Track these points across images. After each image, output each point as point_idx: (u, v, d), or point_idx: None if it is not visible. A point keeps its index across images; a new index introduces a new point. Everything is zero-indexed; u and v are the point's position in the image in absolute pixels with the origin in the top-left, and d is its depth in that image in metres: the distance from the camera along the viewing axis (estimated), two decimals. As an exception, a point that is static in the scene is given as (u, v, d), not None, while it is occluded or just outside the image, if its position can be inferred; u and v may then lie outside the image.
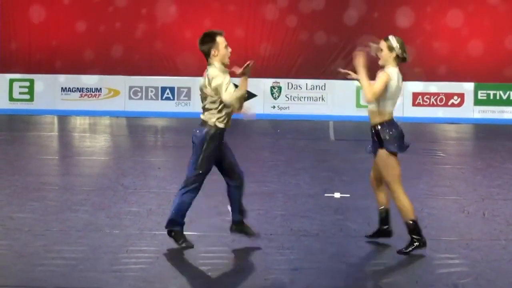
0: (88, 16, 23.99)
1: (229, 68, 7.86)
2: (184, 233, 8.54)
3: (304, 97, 22.96)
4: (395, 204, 7.92)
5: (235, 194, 8.04)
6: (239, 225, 8.09)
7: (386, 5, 23.75)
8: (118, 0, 24.05)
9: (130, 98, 23.29)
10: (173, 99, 23.17)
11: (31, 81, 23.44)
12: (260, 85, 22.88)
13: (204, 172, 7.88)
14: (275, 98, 23.05)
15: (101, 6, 24.06)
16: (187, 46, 23.71)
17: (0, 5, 24.21)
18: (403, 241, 8.34)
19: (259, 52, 23.11)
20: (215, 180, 11.73)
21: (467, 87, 23.07)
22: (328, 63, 23.57)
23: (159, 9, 24.00)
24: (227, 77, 7.71)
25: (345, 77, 8.42)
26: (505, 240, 8.50)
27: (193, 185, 7.89)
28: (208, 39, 7.85)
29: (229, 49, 7.86)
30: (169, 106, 23.08)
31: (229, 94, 7.57)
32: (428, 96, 22.99)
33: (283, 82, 22.88)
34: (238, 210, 8.07)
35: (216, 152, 7.85)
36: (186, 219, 9.19)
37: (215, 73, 7.72)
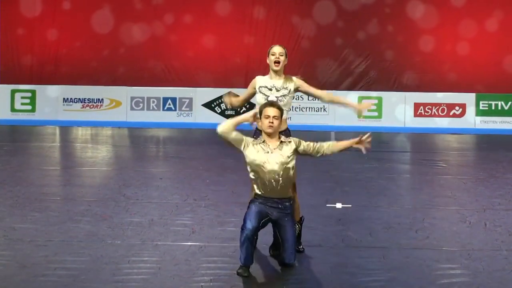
0: (90, 28, 24.03)
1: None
2: (186, 243, 8.56)
3: (306, 108, 22.98)
4: None
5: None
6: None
7: (389, 13, 23.81)
8: (121, 12, 24.09)
9: (131, 108, 23.31)
10: (175, 110, 23.19)
11: (33, 92, 23.46)
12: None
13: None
14: (277, 109, 23.05)
15: (103, 21, 24.09)
16: (189, 57, 23.77)
17: (1, 14, 24.25)
18: (403, 252, 8.36)
19: (260, 63, 23.15)
20: (217, 191, 11.78)
21: (469, 98, 23.09)
22: (329, 74, 23.63)
23: (161, 20, 24.05)
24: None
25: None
26: (507, 250, 8.50)
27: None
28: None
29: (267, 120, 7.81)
30: (171, 117, 23.09)
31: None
32: (430, 107, 23.00)
33: (285, 92, 22.90)
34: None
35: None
36: (187, 230, 9.23)
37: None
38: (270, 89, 8.21)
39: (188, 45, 23.82)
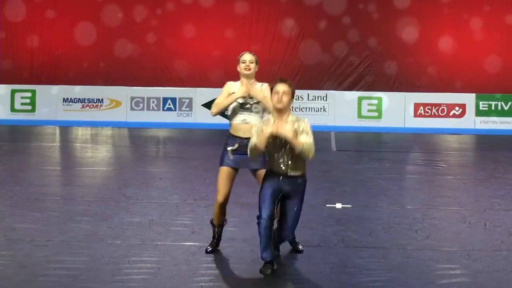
0: (91, 29, 24.05)
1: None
2: (186, 243, 8.56)
3: (306, 108, 22.98)
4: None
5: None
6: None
7: (388, 14, 23.82)
8: (119, 12, 24.11)
9: (131, 108, 23.33)
10: (175, 110, 23.21)
11: (33, 92, 23.48)
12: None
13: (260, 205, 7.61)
14: (276, 109, 23.07)
15: (105, 19, 24.11)
16: (189, 56, 23.79)
17: (1, 15, 24.27)
18: (403, 252, 8.36)
19: (261, 63, 23.19)
20: (216, 191, 11.76)
21: (469, 98, 23.10)
22: (329, 74, 23.65)
23: (161, 21, 24.07)
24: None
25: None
26: (507, 250, 8.50)
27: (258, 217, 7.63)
28: None
29: (276, 96, 7.66)
30: (171, 117, 23.11)
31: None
32: (430, 107, 23.02)
33: (284, 92, 22.88)
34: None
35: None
36: (187, 230, 9.23)
37: None
38: (244, 96, 8.14)
39: (189, 45, 23.84)
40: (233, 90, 8.19)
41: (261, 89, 8.16)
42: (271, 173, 7.59)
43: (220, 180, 8.11)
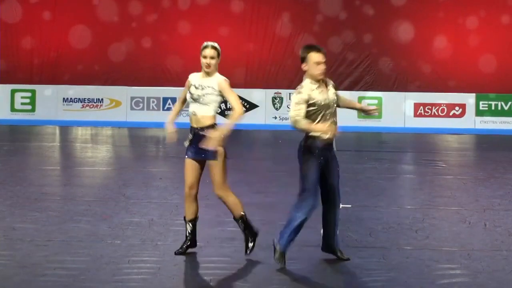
0: (90, 28, 24.05)
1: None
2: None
3: (306, 108, 22.99)
4: (227, 203, 8.07)
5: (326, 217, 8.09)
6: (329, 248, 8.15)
7: (388, 14, 23.82)
8: (118, 12, 24.10)
9: (131, 108, 23.33)
10: (175, 110, 23.21)
11: (33, 92, 23.48)
12: (262, 96, 22.95)
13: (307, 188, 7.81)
14: (276, 109, 23.07)
15: (104, 18, 24.11)
16: (189, 56, 23.80)
17: (1, 14, 24.27)
18: (403, 252, 8.36)
19: (261, 63, 23.19)
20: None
21: (469, 98, 23.11)
22: (329, 74, 23.64)
23: (162, 21, 24.07)
24: (302, 96, 7.66)
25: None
26: (507, 250, 8.50)
27: (301, 202, 7.85)
28: (303, 51, 7.81)
29: (321, 67, 7.74)
30: (171, 117, 23.10)
31: (292, 113, 7.62)
32: (430, 107, 23.02)
33: (284, 93, 22.92)
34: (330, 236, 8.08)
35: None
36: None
37: (298, 89, 7.71)
38: (197, 88, 8.06)
39: (189, 45, 23.86)
40: (193, 83, 8.08)
41: (222, 83, 8.01)
42: (318, 144, 7.75)
43: (185, 171, 8.10)
